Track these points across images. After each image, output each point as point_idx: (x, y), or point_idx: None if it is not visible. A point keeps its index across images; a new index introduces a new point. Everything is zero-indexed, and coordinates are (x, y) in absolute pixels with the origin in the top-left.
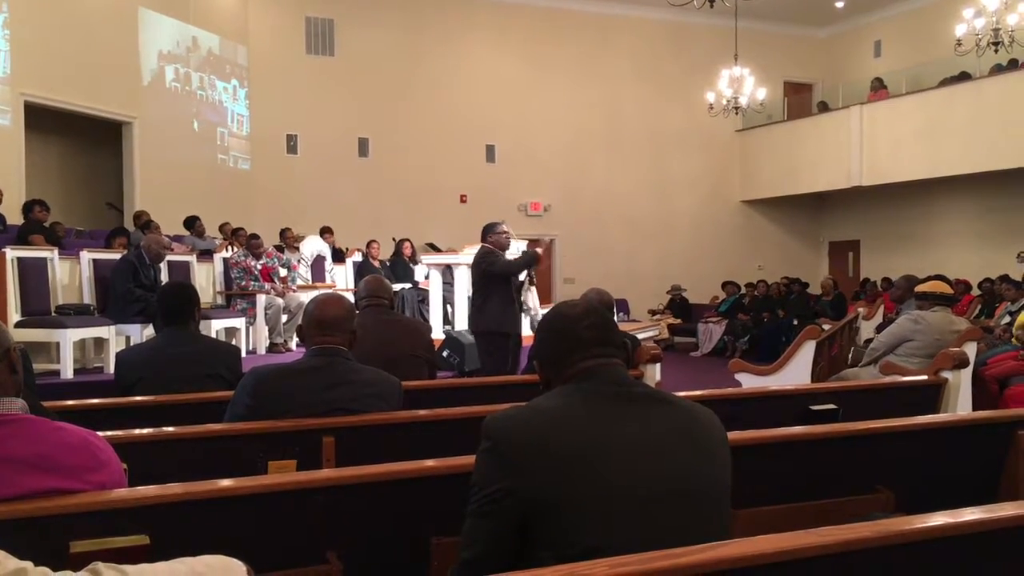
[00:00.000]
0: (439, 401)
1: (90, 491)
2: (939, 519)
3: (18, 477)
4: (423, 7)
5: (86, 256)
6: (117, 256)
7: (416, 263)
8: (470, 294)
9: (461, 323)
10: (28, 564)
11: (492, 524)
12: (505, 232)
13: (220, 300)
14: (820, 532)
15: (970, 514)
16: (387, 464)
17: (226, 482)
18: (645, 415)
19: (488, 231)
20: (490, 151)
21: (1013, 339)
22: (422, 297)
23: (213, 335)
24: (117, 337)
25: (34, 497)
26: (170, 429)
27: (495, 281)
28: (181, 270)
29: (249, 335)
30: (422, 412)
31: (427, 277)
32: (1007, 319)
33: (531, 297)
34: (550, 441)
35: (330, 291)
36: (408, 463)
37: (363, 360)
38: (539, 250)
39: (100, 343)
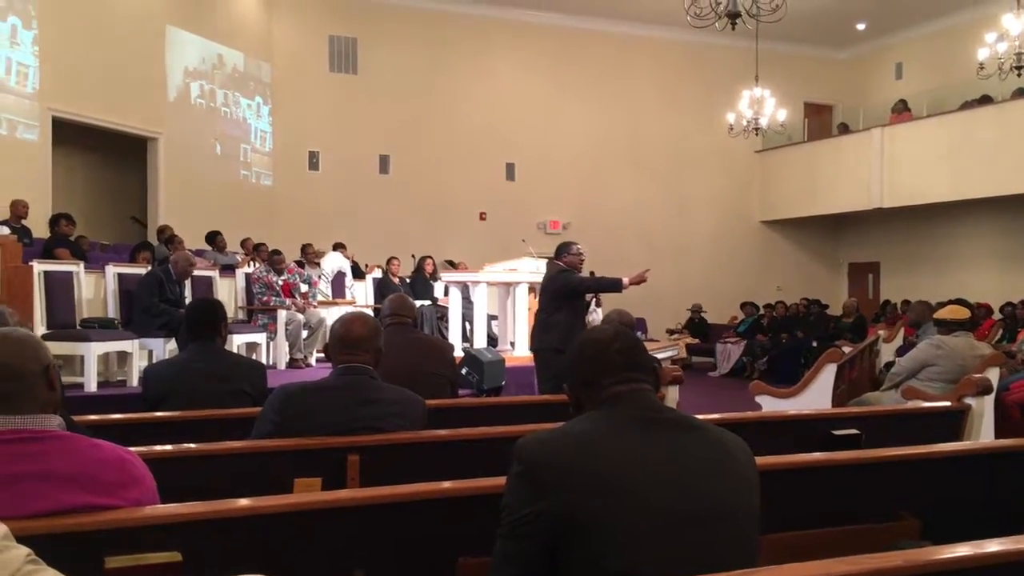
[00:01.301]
0: (462, 420)
1: (125, 507)
2: (965, 550)
3: (56, 493)
4: (445, 26)
5: (111, 270)
6: (142, 271)
7: (436, 280)
8: (537, 310)
9: (480, 341)
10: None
11: (523, 547)
12: (580, 253)
13: (241, 315)
14: (851, 560)
15: (996, 545)
16: (414, 484)
17: (257, 500)
18: (675, 440)
19: (563, 250)
20: (510, 169)
21: None
22: (441, 314)
23: (234, 350)
24: (140, 351)
25: (71, 513)
26: (197, 446)
27: (569, 299)
28: (203, 285)
29: (270, 350)
30: (446, 432)
31: (446, 294)
32: None
33: (598, 317)
34: (581, 465)
35: (355, 310)
36: (434, 484)
37: (387, 378)
38: (644, 274)
39: (124, 357)
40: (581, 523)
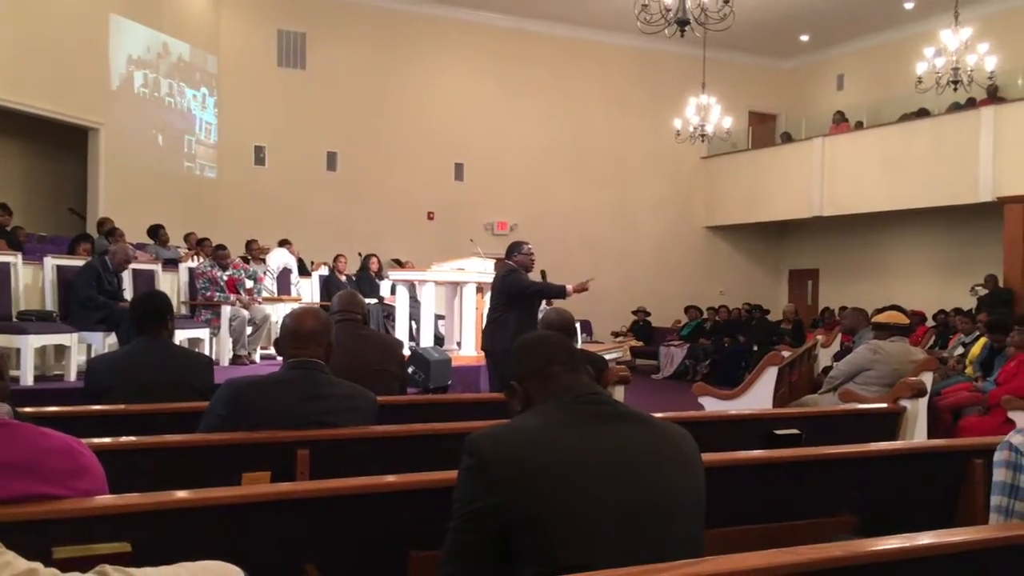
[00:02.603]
0: (412, 416)
1: (74, 497)
2: (899, 542)
3: (4, 481)
4: (395, 24)
5: (50, 262)
6: (81, 263)
7: (383, 278)
8: (489, 310)
9: (426, 340)
10: (38, 564)
11: (474, 540)
12: (531, 253)
13: (184, 310)
14: (794, 551)
15: (926, 538)
16: (364, 478)
17: (208, 491)
18: (623, 433)
19: (514, 250)
20: (459, 169)
21: (966, 370)
22: (387, 313)
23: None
24: (79, 344)
25: (20, 501)
26: (143, 438)
27: (519, 300)
28: (145, 279)
29: (213, 346)
30: (397, 427)
31: (393, 292)
32: (960, 350)
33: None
34: (532, 459)
35: (307, 304)
36: (384, 477)
37: (337, 374)
38: (587, 283)
39: (61, 350)
40: (533, 516)
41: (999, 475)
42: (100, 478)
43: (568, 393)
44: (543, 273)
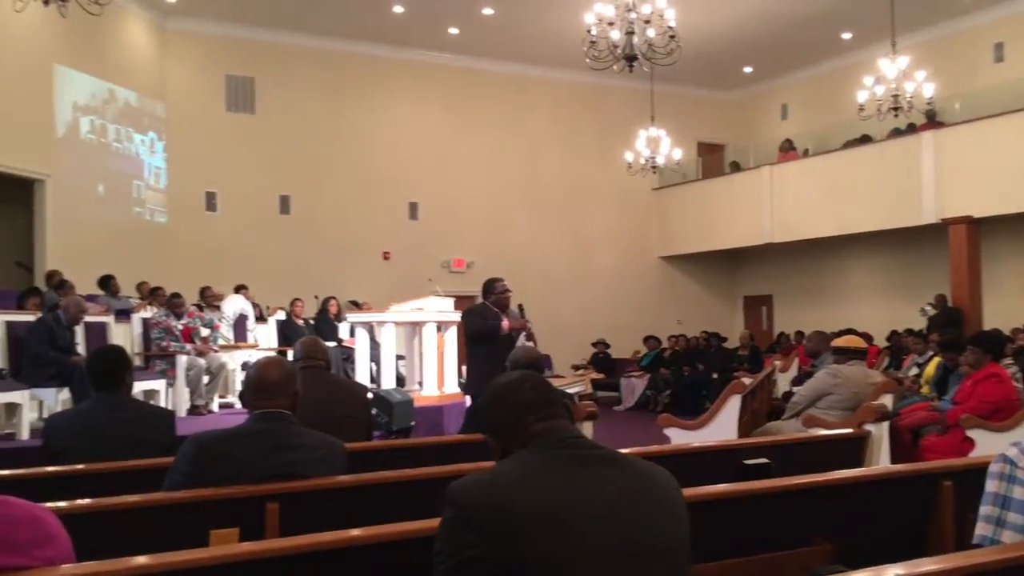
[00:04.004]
0: (381, 463)
1: (39, 567)
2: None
3: None
4: (344, 66)
5: None
6: (31, 317)
7: (341, 321)
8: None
9: (388, 381)
10: None
11: None
12: (505, 291)
13: (139, 361)
14: None
15: (893, 570)
16: (338, 532)
17: (176, 555)
18: (605, 477)
19: (488, 290)
20: (413, 208)
21: (922, 389)
22: (347, 355)
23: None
24: (31, 402)
25: None
26: (106, 500)
27: (477, 342)
28: (98, 331)
29: (169, 397)
30: (369, 475)
31: (352, 335)
32: (915, 371)
33: None
34: (515, 507)
35: (270, 354)
36: (362, 530)
37: (304, 423)
38: (504, 323)
39: (12, 408)
40: (518, 565)
41: (991, 486)
42: (66, 546)
43: (547, 439)
44: (520, 307)
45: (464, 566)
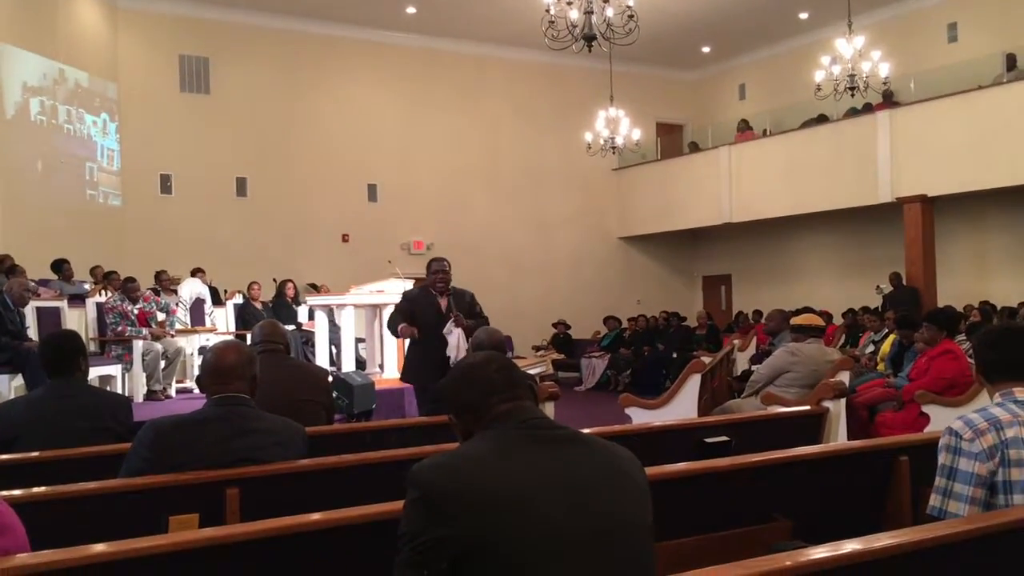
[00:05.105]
0: (341, 447)
1: None
2: (856, 545)
3: None
4: (300, 46)
5: None
6: None
7: (299, 304)
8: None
9: (348, 364)
10: None
11: (423, 573)
12: (438, 271)
13: (94, 347)
14: (744, 564)
15: (851, 545)
16: (300, 516)
17: (135, 542)
18: (570, 457)
19: (427, 270)
20: (372, 190)
21: (878, 366)
22: (307, 339)
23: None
24: None
25: None
26: (62, 488)
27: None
28: (51, 316)
29: (126, 382)
30: (329, 459)
31: (311, 318)
32: (871, 348)
33: (451, 340)
34: (478, 488)
35: (228, 338)
36: (323, 513)
37: (263, 407)
38: (401, 329)
39: None
40: (481, 546)
41: (941, 458)
42: (21, 536)
43: (510, 420)
44: (472, 295)
45: (428, 547)
